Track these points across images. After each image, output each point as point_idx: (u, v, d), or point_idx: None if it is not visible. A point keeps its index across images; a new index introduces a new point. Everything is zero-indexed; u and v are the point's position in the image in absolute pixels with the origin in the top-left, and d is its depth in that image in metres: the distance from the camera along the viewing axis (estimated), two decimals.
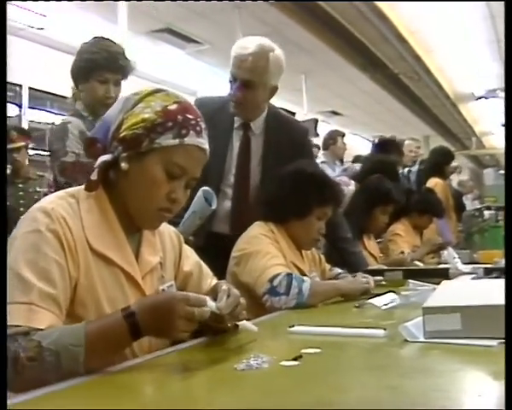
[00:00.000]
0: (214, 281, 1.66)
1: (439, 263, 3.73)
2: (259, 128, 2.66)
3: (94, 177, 1.37)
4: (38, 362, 1.14)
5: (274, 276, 2.14)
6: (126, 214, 1.41)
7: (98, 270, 1.34)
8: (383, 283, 2.40)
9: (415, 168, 6.06)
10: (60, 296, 1.25)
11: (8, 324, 1.17)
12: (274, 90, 2.62)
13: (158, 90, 1.43)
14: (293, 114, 6.36)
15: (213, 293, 1.45)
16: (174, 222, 2.54)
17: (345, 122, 13.12)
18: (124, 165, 1.36)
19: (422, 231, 4.62)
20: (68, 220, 1.31)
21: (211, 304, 1.30)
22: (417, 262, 3.69)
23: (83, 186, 1.41)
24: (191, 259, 1.65)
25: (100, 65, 2.62)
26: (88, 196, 1.39)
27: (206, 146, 1.42)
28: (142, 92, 1.43)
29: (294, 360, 1.24)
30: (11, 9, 6.87)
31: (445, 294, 1.74)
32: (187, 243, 2.44)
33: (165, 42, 8.66)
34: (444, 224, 5.15)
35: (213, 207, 2.42)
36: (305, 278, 2.21)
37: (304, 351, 1.32)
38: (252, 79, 2.50)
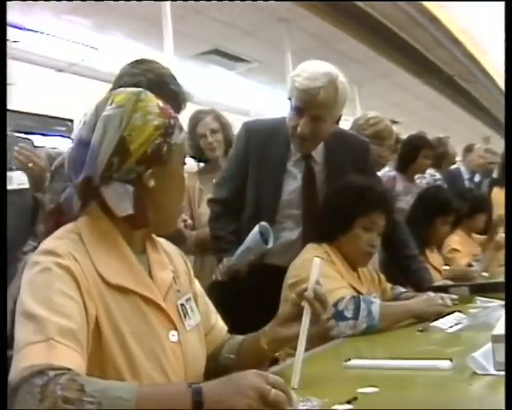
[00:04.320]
0: (218, 318, 1.55)
1: None
2: (320, 155, 2.45)
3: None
4: (76, 406, 0.97)
5: (338, 300, 1.97)
6: (131, 235, 1.31)
7: (116, 304, 1.22)
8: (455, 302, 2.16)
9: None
10: (79, 333, 1.11)
11: (24, 366, 1.02)
12: (339, 119, 2.42)
13: (135, 95, 1.30)
14: None
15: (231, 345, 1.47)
16: (223, 249, 2.46)
17: (399, 130, 12.85)
18: (151, 183, 1.28)
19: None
20: (76, 256, 1.20)
21: (296, 398, 1.08)
22: (484, 274, 3.47)
23: (80, 219, 1.29)
24: (198, 284, 1.53)
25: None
26: (90, 226, 1.28)
27: None
28: (121, 105, 1.28)
29: (348, 402, 1.12)
30: (64, 45, 7.02)
31: None
32: (239, 272, 2.35)
33: (214, 63, 8.66)
34: None
35: (269, 245, 2.28)
36: (372, 299, 2.05)
37: (360, 390, 1.19)
38: (323, 114, 2.29)
